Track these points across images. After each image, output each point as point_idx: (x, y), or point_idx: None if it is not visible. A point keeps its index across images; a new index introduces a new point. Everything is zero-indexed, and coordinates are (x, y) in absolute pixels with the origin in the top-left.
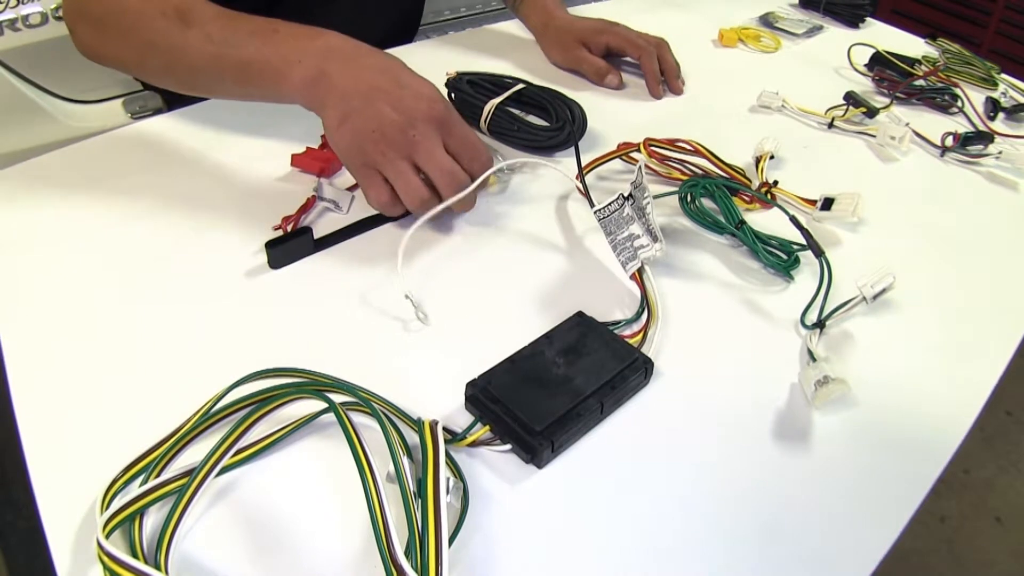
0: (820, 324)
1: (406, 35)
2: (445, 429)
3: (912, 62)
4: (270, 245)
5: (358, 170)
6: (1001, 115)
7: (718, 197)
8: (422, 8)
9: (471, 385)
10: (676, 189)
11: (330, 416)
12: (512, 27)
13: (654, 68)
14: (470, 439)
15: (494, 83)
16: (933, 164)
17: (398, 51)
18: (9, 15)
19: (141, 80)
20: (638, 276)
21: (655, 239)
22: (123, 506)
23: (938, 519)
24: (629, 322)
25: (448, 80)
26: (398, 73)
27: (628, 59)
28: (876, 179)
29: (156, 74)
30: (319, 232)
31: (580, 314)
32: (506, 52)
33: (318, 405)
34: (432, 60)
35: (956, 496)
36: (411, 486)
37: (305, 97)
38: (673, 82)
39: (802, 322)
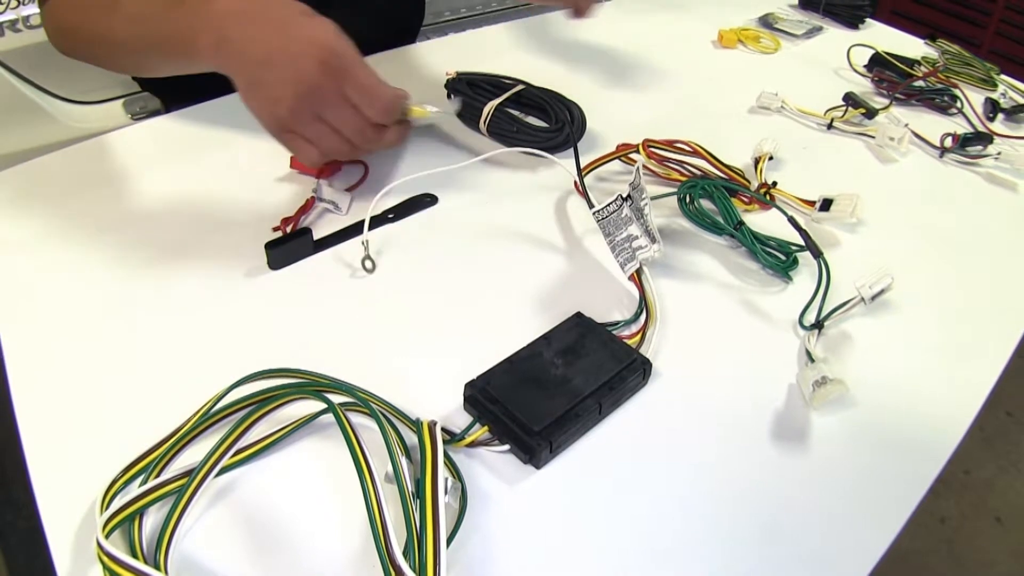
0: (818, 325)
1: (409, 36)
2: (444, 429)
3: (911, 63)
4: (270, 246)
5: (278, 136)
6: (1000, 116)
7: (717, 198)
8: (423, 10)
9: (470, 386)
10: (675, 190)
11: (329, 416)
12: (512, 28)
13: None
14: (468, 439)
15: (493, 84)
16: (932, 165)
17: (400, 52)
18: (10, 16)
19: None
20: (636, 277)
21: (653, 240)
22: (123, 506)
23: (938, 519)
24: (627, 323)
25: (447, 81)
26: (287, 27)
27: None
28: (875, 180)
29: (107, 64)
30: (318, 233)
31: (579, 315)
32: (505, 53)
33: (317, 406)
34: (431, 61)
35: (956, 496)
36: (409, 486)
37: (215, 65)
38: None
39: (800, 323)
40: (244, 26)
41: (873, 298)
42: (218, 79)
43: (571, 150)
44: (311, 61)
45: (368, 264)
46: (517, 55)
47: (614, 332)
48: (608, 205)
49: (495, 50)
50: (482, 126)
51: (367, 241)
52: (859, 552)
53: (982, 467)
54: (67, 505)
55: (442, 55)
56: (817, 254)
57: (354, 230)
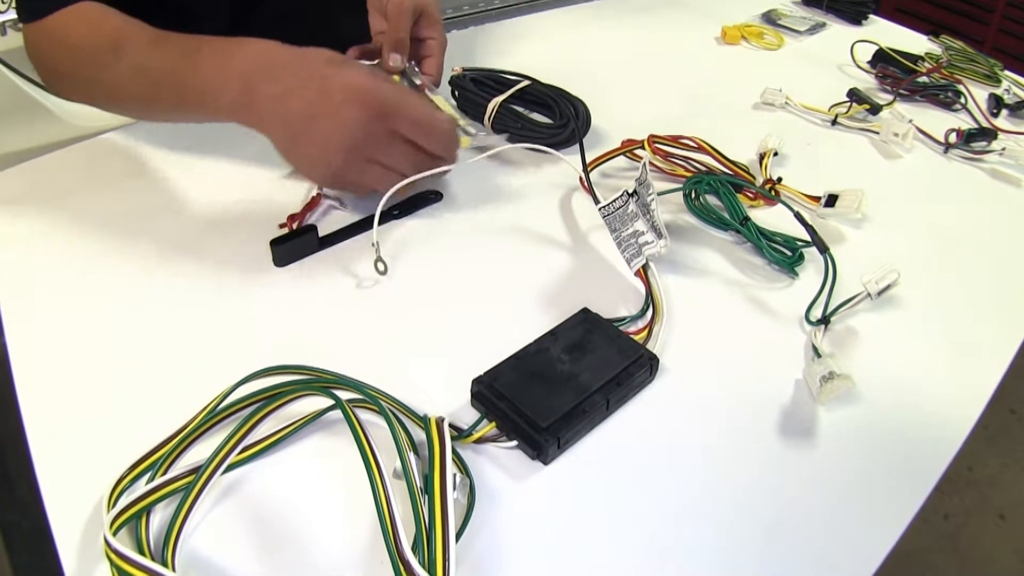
0: (825, 320)
1: None
2: (451, 425)
3: (915, 59)
4: (275, 243)
5: (333, 187)
6: (1004, 112)
7: (722, 194)
8: None
9: (477, 382)
10: (680, 186)
11: (336, 413)
12: (516, 24)
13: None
14: (476, 435)
15: (498, 81)
16: (937, 161)
17: None
18: (11, 15)
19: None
20: (643, 273)
21: (659, 236)
22: (130, 504)
23: (941, 516)
24: (634, 319)
25: (452, 77)
26: (323, 79)
27: None
28: (880, 176)
29: (108, 108)
30: (324, 230)
31: (585, 311)
32: (510, 50)
33: (324, 402)
34: None
35: (959, 493)
36: (418, 482)
37: (239, 120)
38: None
39: (807, 318)
40: (274, 82)
41: (879, 293)
42: None
43: (576, 146)
44: (356, 109)
45: (380, 267)
46: (521, 52)
47: (621, 328)
48: (614, 201)
49: (499, 47)
50: (487, 123)
51: (378, 243)
52: (864, 548)
53: (986, 464)
54: (73, 503)
55: (451, 50)
56: (823, 250)
57: (360, 227)
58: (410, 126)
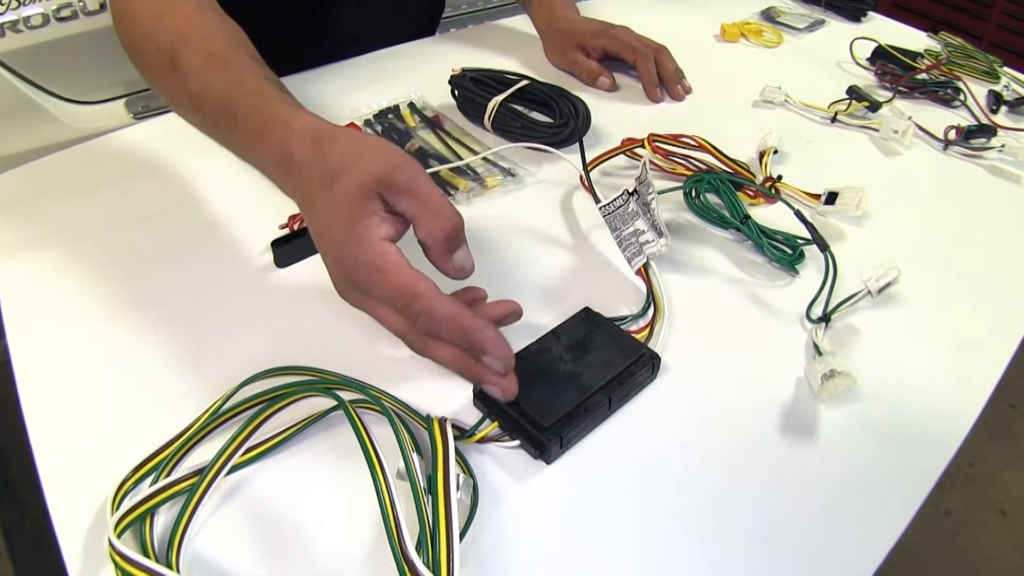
0: (825, 318)
1: (429, 30)
2: (454, 426)
3: (914, 56)
4: (276, 244)
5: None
6: (1004, 108)
7: (722, 192)
8: (443, 3)
9: None
10: (680, 184)
11: (339, 414)
12: (516, 23)
13: (650, 72)
14: (479, 435)
15: (498, 80)
16: (936, 158)
17: (413, 46)
18: (10, 16)
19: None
20: (644, 271)
21: (660, 234)
22: (134, 506)
23: (942, 513)
24: (635, 317)
25: (452, 77)
26: (311, 203)
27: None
28: (880, 173)
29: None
30: None
31: (587, 310)
32: (511, 48)
33: (327, 403)
34: (436, 57)
35: (960, 490)
36: (421, 482)
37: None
38: (672, 87)
39: (807, 316)
40: (286, 186)
41: (880, 291)
42: None
43: (576, 145)
44: (328, 259)
45: None
46: (522, 51)
47: (622, 327)
48: (614, 200)
49: (500, 46)
50: (487, 122)
51: None
52: (866, 546)
53: (986, 460)
54: (77, 506)
55: (446, 51)
56: (824, 247)
57: None
58: (384, 299)
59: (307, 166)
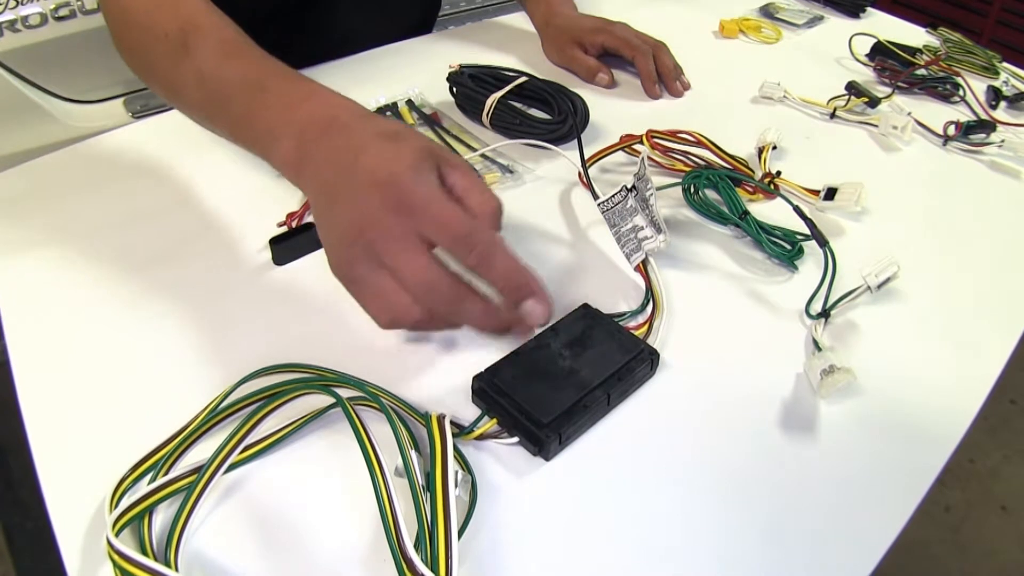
0: (825, 314)
1: (427, 27)
2: (452, 423)
3: (913, 51)
4: (275, 241)
5: (344, 283)
6: (1003, 104)
7: (721, 188)
8: (440, 0)
9: (478, 378)
10: (679, 180)
11: (338, 411)
12: (514, 20)
13: (649, 68)
14: (477, 432)
15: (496, 77)
16: (936, 153)
17: (412, 43)
18: (8, 16)
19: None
20: (642, 267)
21: (659, 230)
22: (132, 504)
23: (943, 508)
24: (634, 314)
25: (450, 74)
26: (361, 152)
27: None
28: (879, 169)
29: (165, 99)
30: None
31: (585, 306)
32: (509, 45)
33: (325, 400)
34: (434, 54)
35: (961, 485)
36: (420, 479)
37: (287, 178)
38: (671, 84)
39: (807, 312)
40: (321, 143)
41: (879, 286)
42: None
43: (575, 142)
44: (375, 197)
45: None
46: (520, 48)
47: (621, 323)
48: (613, 196)
49: (498, 43)
50: (485, 119)
51: None
52: (867, 542)
53: (987, 455)
54: (76, 504)
55: (444, 48)
56: (823, 243)
57: None
58: (435, 228)
59: (357, 126)
